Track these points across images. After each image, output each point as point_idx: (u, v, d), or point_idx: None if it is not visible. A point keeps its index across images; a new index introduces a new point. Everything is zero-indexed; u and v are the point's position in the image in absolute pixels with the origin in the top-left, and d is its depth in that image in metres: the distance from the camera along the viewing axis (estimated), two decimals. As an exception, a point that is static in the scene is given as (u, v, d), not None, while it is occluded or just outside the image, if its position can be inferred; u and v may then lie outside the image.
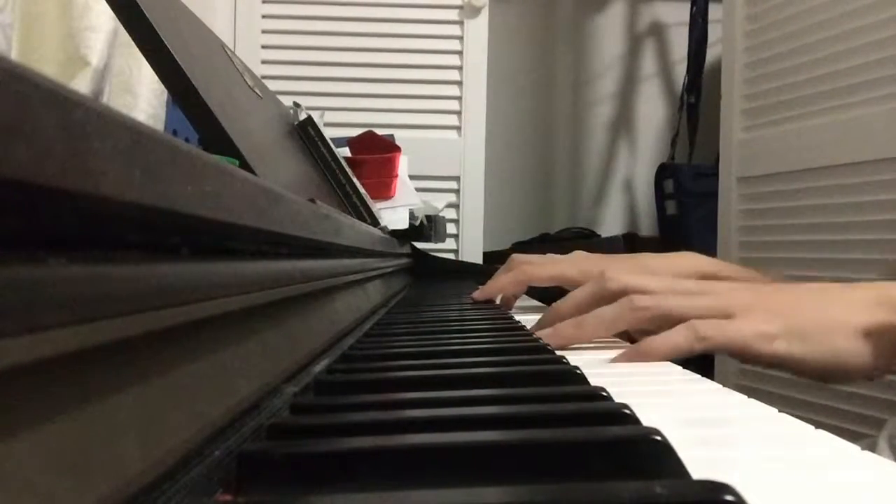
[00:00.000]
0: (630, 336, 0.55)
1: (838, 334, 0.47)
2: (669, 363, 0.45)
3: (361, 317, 0.57)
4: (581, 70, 2.36)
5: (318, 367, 0.36)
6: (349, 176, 0.85)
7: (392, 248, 0.91)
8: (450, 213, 1.70)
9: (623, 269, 0.59)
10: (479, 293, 0.80)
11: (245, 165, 0.48)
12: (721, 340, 0.47)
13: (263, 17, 1.69)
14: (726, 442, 0.27)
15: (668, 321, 0.48)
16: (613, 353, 0.47)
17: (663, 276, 0.55)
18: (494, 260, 1.65)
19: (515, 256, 0.78)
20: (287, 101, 0.91)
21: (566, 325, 0.51)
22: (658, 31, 2.36)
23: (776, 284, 0.55)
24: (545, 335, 0.51)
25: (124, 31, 0.46)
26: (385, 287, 0.80)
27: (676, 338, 0.47)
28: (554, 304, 0.56)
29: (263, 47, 1.68)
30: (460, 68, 1.72)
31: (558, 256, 0.74)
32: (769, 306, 0.49)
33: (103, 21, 0.84)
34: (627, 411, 0.25)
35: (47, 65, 0.82)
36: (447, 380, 0.35)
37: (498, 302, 0.81)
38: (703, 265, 0.65)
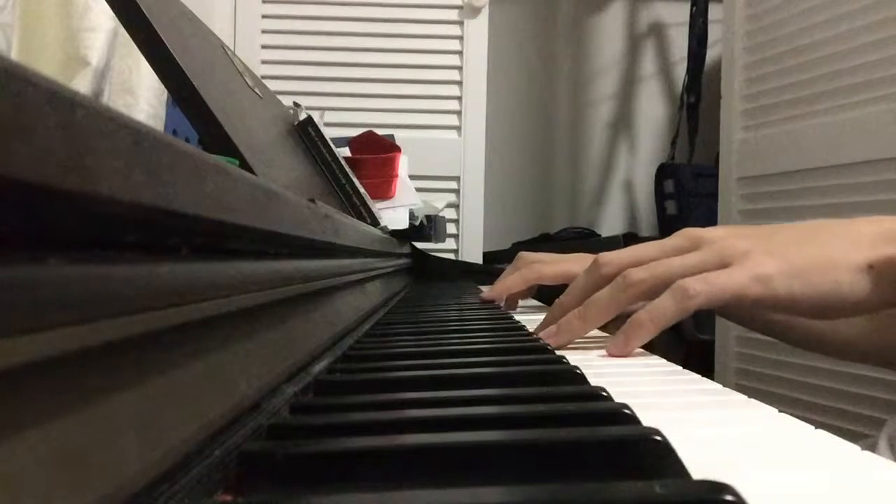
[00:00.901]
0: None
1: (840, 270, 0.46)
2: (670, 363, 0.45)
3: (361, 317, 0.57)
4: (581, 70, 2.36)
5: (318, 367, 0.36)
6: (349, 176, 0.85)
7: (392, 248, 0.91)
8: (450, 213, 1.70)
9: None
10: (487, 293, 0.80)
11: (245, 165, 0.48)
12: (712, 292, 0.45)
13: (263, 17, 1.69)
14: (726, 442, 0.27)
15: (668, 286, 0.47)
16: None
17: (658, 241, 0.53)
18: (494, 260, 1.65)
19: (523, 254, 0.78)
20: (287, 101, 0.91)
21: (570, 319, 0.50)
22: (658, 31, 2.36)
23: (775, 225, 0.53)
24: (551, 333, 0.50)
25: (124, 31, 0.46)
26: (385, 287, 0.80)
27: (664, 305, 0.46)
28: (556, 301, 0.55)
29: (263, 47, 1.68)
30: (460, 68, 1.72)
31: (566, 255, 0.74)
32: (767, 248, 0.47)
33: (103, 21, 0.84)
34: (627, 411, 0.25)
35: (47, 65, 0.82)
36: (447, 380, 0.35)
37: (503, 303, 0.81)
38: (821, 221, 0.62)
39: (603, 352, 0.48)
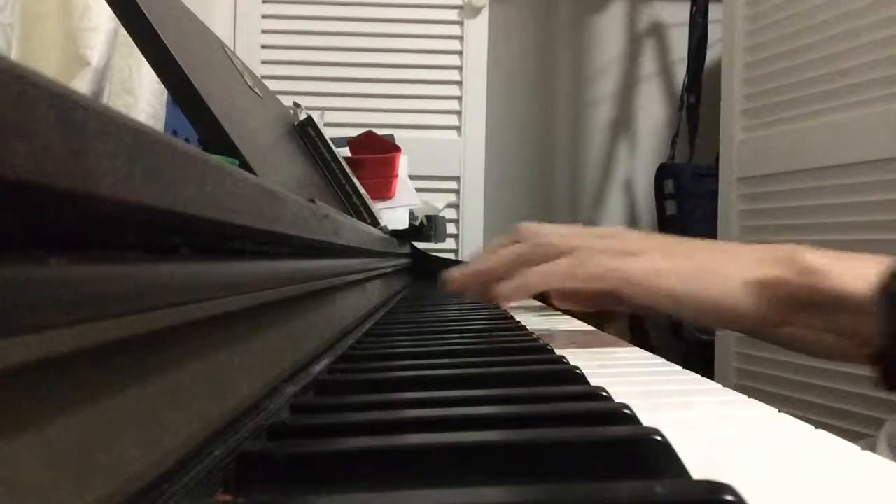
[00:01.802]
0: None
1: (728, 281, 0.49)
2: (670, 363, 0.45)
3: (361, 317, 0.57)
4: (581, 70, 2.36)
5: (318, 367, 0.36)
6: (349, 176, 0.85)
7: (392, 248, 0.91)
8: (450, 213, 1.70)
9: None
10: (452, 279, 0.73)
11: (245, 165, 0.48)
12: (600, 272, 0.49)
13: (263, 17, 1.69)
14: (726, 442, 0.27)
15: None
16: (609, 349, 0.47)
17: (583, 227, 0.58)
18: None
19: (526, 229, 0.72)
20: (287, 101, 0.91)
21: (478, 266, 0.54)
22: (658, 31, 2.36)
23: (682, 238, 0.57)
24: (455, 276, 0.55)
25: (124, 31, 0.46)
26: (385, 287, 0.80)
27: (558, 267, 0.50)
28: (475, 250, 0.59)
29: (263, 47, 1.68)
30: (460, 68, 1.72)
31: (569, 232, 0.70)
32: (667, 250, 0.52)
33: (103, 21, 0.84)
34: (627, 411, 0.25)
35: (47, 65, 0.82)
36: (447, 380, 0.35)
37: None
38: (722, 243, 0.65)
39: (602, 352, 0.48)
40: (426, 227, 1.24)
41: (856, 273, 0.48)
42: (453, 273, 0.56)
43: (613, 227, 0.56)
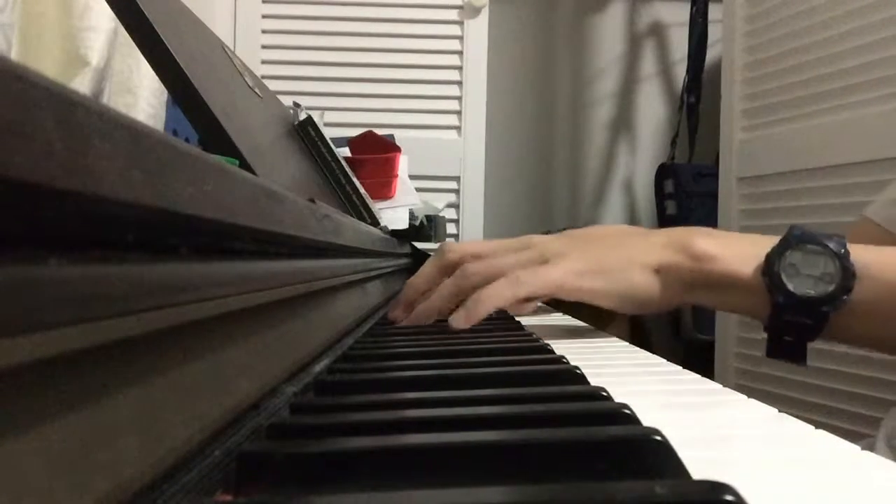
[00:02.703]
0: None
1: (633, 271, 0.55)
2: (669, 363, 0.45)
3: (362, 317, 0.57)
4: (581, 70, 2.36)
5: (318, 367, 0.36)
6: (349, 176, 0.85)
7: (392, 248, 0.91)
8: (450, 213, 1.70)
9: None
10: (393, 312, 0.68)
11: (245, 165, 0.48)
12: (538, 284, 0.54)
13: (263, 17, 1.69)
14: (726, 442, 0.27)
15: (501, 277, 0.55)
16: (611, 347, 0.48)
17: (499, 240, 0.61)
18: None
19: (447, 247, 0.66)
20: (287, 101, 0.91)
21: (423, 308, 0.59)
22: (658, 31, 2.36)
23: (588, 231, 0.62)
24: (400, 315, 0.60)
25: (124, 31, 0.46)
26: (385, 287, 0.80)
27: (499, 288, 0.54)
28: (408, 281, 0.63)
29: (263, 47, 1.68)
30: (460, 68, 1.72)
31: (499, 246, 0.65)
32: (580, 251, 0.57)
33: (103, 21, 0.84)
34: (628, 411, 0.25)
35: (47, 65, 0.82)
36: (447, 380, 0.35)
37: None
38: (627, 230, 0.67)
39: (602, 352, 0.48)
40: (426, 227, 1.24)
41: (743, 255, 0.54)
42: (397, 314, 0.61)
43: (524, 237, 0.61)
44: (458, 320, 0.54)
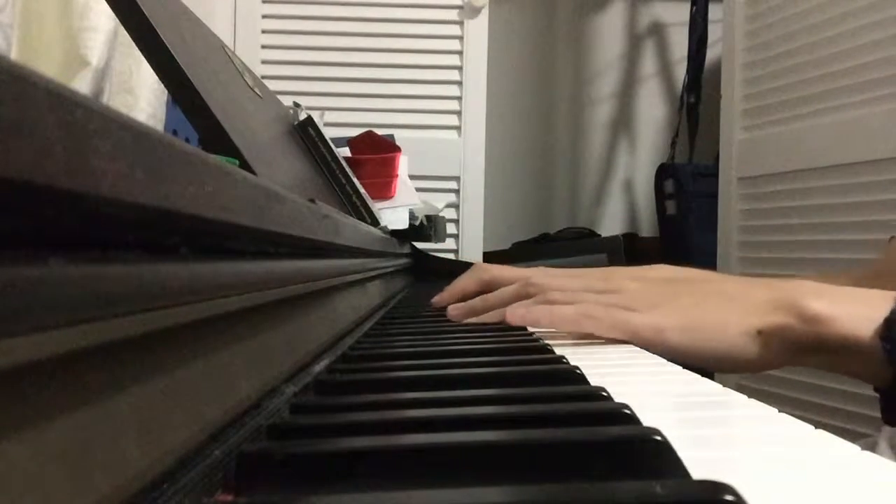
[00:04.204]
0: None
1: (731, 331, 0.51)
2: (670, 363, 0.45)
3: (361, 317, 0.57)
4: (581, 70, 2.36)
5: (318, 367, 0.36)
6: (349, 176, 0.85)
7: (392, 248, 0.91)
8: (450, 213, 1.70)
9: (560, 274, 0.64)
10: (439, 298, 0.75)
11: (245, 165, 0.48)
12: (609, 323, 0.51)
13: (263, 17, 1.69)
14: (726, 442, 0.27)
15: None
16: (614, 352, 0.48)
17: (580, 273, 0.61)
18: (494, 260, 1.65)
19: (479, 263, 0.76)
20: (287, 101, 0.91)
21: (492, 315, 0.58)
22: (658, 31, 2.36)
23: (676, 275, 0.60)
24: (463, 313, 0.61)
25: (124, 31, 0.46)
26: (385, 287, 0.80)
27: (566, 311, 0.52)
28: (484, 295, 0.62)
29: (263, 47, 1.68)
30: (460, 68, 1.72)
31: (527, 269, 0.73)
32: (669, 302, 0.53)
33: (103, 21, 0.84)
34: (627, 411, 0.25)
35: (47, 65, 0.82)
36: (447, 380, 0.35)
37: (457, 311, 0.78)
38: (670, 274, 0.65)
39: (601, 353, 0.48)
40: (426, 227, 1.24)
41: (859, 317, 0.49)
42: (451, 311, 0.62)
43: (607, 271, 0.58)
44: (517, 312, 0.54)
